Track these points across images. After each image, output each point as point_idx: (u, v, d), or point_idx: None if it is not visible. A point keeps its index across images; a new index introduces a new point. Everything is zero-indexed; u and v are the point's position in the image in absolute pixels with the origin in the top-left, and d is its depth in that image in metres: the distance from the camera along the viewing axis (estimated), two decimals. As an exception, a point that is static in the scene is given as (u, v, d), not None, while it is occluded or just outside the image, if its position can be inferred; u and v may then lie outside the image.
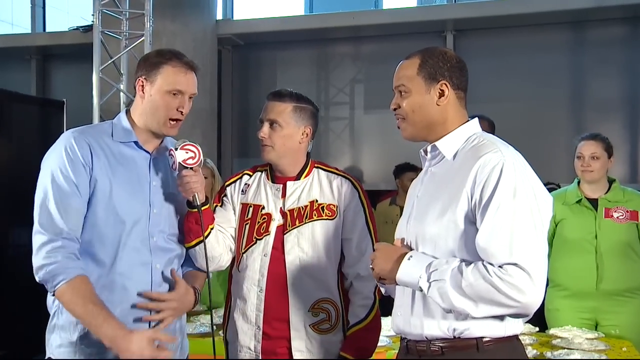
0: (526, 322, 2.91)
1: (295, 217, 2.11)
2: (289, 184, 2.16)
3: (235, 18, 7.61)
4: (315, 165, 2.21)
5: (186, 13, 6.32)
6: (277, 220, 2.12)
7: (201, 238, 1.99)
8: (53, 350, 1.86)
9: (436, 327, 1.59)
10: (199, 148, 1.95)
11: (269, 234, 2.12)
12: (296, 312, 2.09)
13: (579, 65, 6.50)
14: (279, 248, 2.10)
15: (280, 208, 2.13)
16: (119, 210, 1.85)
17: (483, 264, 1.47)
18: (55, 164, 1.83)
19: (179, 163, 1.92)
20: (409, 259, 1.58)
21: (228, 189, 2.22)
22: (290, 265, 2.09)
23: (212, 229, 2.05)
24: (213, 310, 3.13)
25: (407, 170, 5.01)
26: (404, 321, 1.68)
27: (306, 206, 2.12)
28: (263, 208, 2.14)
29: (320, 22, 7.00)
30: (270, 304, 2.09)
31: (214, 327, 2.87)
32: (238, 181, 2.22)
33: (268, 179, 2.18)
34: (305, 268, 2.08)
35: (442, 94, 1.64)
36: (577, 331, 2.88)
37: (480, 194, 1.51)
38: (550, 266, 3.27)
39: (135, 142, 1.94)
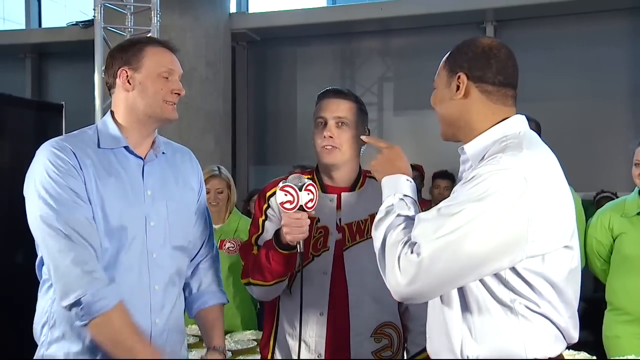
0: (581, 350, 2.89)
1: (355, 232, 2.11)
2: (344, 195, 2.16)
3: (250, 11, 7.71)
4: (368, 175, 2.22)
5: (196, 6, 6.41)
6: (334, 234, 2.12)
7: (284, 279, 2.05)
8: None
9: (450, 353, 1.59)
10: (296, 189, 1.93)
11: (327, 250, 2.11)
12: (358, 337, 2.08)
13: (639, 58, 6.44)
14: (339, 266, 2.11)
15: (337, 222, 2.13)
16: (115, 226, 1.83)
17: (409, 235, 1.52)
18: (44, 178, 1.78)
19: (301, 206, 1.92)
20: (407, 180, 1.72)
21: (272, 200, 2.15)
22: (352, 286, 2.09)
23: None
24: (228, 335, 3.18)
25: (438, 178, 5.10)
26: (430, 345, 1.70)
27: (366, 220, 2.12)
28: (318, 220, 2.11)
29: (345, 15, 7.04)
30: (331, 329, 2.08)
31: (231, 352, 2.91)
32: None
33: (315, 187, 2.14)
34: (368, 288, 2.07)
35: (458, 88, 1.65)
36: (640, 361, 2.84)
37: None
38: (609, 286, 3.25)
39: (126, 147, 1.92)
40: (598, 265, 3.25)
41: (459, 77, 1.64)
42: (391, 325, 2.13)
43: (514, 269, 1.49)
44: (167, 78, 1.92)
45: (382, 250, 1.57)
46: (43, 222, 1.76)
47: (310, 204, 1.92)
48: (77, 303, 1.73)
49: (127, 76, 1.91)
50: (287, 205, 1.90)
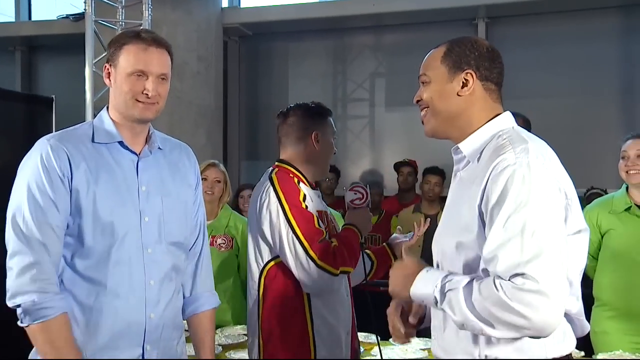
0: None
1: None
2: (318, 189, 2.43)
3: (242, 5, 7.68)
4: None
5: (188, 0, 6.38)
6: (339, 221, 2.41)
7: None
8: None
9: (466, 353, 1.60)
10: (365, 188, 2.25)
11: None
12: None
13: (630, 55, 6.46)
14: None
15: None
16: (106, 222, 1.85)
17: (494, 278, 1.45)
18: (32, 177, 1.82)
19: (369, 201, 2.23)
20: (426, 271, 1.59)
21: (304, 194, 2.29)
22: None
23: None
24: (218, 330, 3.18)
25: (429, 173, 5.12)
26: (437, 345, 1.71)
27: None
28: (327, 214, 2.36)
29: (337, 10, 7.04)
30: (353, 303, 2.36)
31: (221, 347, 2.91)
32: (302, 185, 2.33)
33: (306, 185, 2.34)
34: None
35: (465, 84, 1.67)
36: (629, 356, 2.86)
37: (488, 206, 1.51)
38: (596, 282, 3.28)
39: (120, 143, 1.93)
40: (586, 262, 3.27)
41: (467, 73, 1.66)
42: None
43: None
44: (139, 77, 1.89)
45: (478, 317, 1.45)
46: (14, 218, 1.82)
47: (357, 202, 2.27)
48: (21, 306, 1.77)
49: (109, 73, 1.93)
50: (357, 202, 2.22)
